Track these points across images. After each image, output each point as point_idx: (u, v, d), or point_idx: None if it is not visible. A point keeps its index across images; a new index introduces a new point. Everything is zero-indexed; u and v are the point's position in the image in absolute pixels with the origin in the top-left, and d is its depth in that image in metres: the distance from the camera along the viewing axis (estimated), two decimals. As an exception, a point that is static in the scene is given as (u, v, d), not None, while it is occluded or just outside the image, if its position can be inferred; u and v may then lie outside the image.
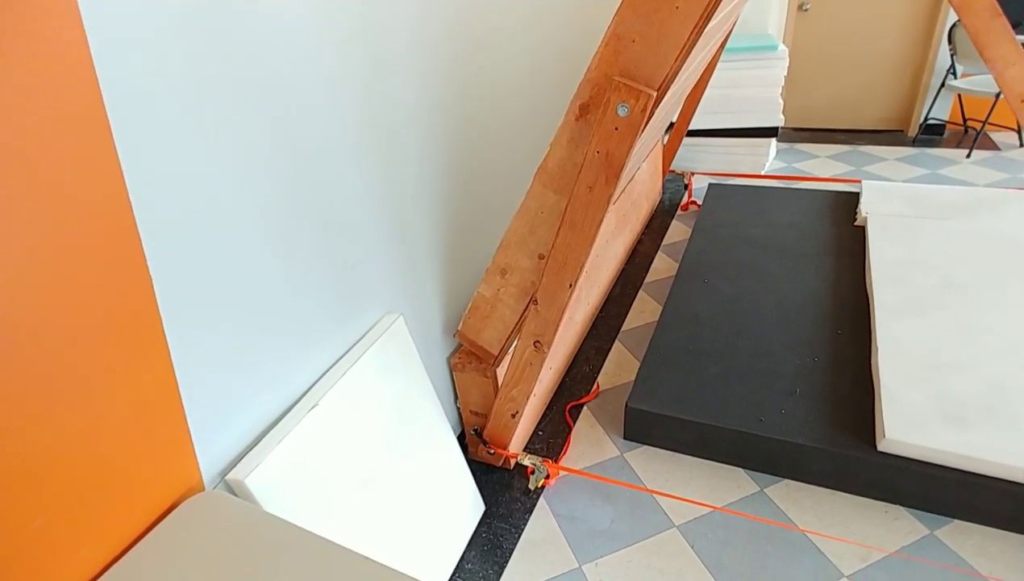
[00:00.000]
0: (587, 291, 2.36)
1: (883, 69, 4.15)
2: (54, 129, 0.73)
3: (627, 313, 2.60)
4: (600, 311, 2.62)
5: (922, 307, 2.09)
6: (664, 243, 3.16)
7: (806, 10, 4.12)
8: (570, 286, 1.35)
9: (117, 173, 0.81)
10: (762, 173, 3.72)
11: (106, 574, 0.86)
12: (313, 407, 1.19)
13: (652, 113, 1.11)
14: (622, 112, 1.10)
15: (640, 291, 2.75)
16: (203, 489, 1.04)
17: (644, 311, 2.61)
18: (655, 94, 1.07)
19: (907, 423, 1.62)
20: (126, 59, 0.80)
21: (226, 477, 1.06)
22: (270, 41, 1.03)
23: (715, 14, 1.09)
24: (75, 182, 0.76)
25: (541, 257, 1.41)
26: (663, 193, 3.71)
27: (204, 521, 0.94)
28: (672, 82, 1.08)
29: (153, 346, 0.91)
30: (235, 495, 1.07)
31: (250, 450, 1.10)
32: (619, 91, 1.09)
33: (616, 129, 1.12)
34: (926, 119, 4.04)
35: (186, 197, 0.92)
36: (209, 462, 1.05)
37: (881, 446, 1.62)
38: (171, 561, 0.87)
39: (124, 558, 0.89)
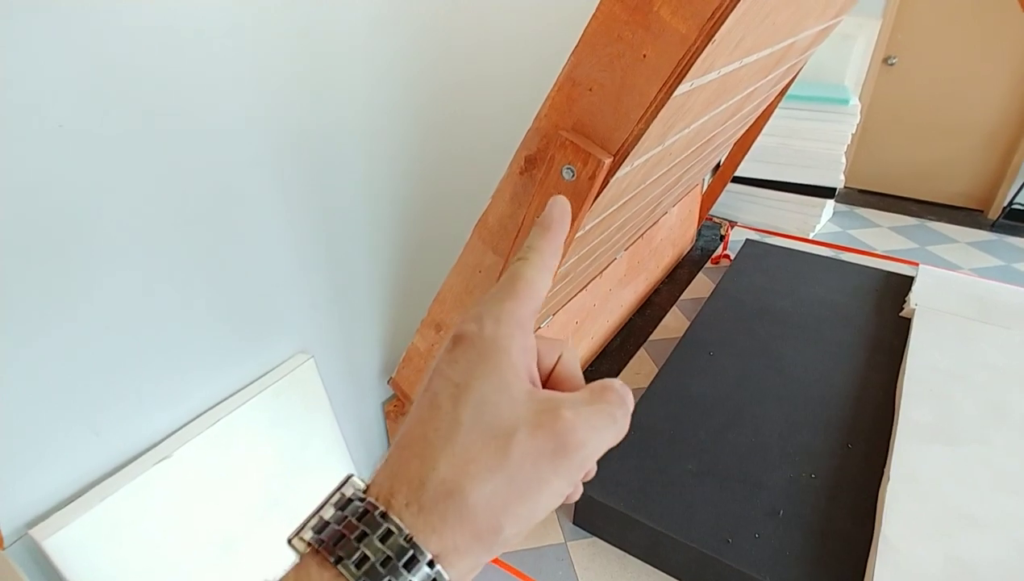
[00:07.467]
0: (573, 344, 2.13)
1: (970, 140, 3.71)
2: None
3: (619, 371, 2.35)
4: (589, 365, 2.37)
5: (956, 434, 1.76)
6: (682, 297, 2.87)
7: (892, 64, 3.73)
8: (500, 363, 1.13)
9: None
10: (809, 237, 3.37)
11: None
12: (163, 459, 1.02)
13: (606, 183, 0.89)
14: (567, 176, 0.88)
15: (641, 349, 2.49)
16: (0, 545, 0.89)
17: (639, 373, 2.35)
18: (608, 162, 0.84)
19: (903, 587, 1.33)
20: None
21: (30, 531, 0.91)
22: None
23: (709, 71, 0.85)
24: None
25: (477, 320, 1.19)
26: (696, 240, 3.41)
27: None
28: (632, 148, 0.85)
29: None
30: (36, 558, 0.91)
31: (69, 504, 0.94)
32: (565, 149, 0.86)
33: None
34: (1011, 203, 3.58)
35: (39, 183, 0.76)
36: (13, 511, 0.89)
37: (865, 609, 1.33)
38: None
39: None
